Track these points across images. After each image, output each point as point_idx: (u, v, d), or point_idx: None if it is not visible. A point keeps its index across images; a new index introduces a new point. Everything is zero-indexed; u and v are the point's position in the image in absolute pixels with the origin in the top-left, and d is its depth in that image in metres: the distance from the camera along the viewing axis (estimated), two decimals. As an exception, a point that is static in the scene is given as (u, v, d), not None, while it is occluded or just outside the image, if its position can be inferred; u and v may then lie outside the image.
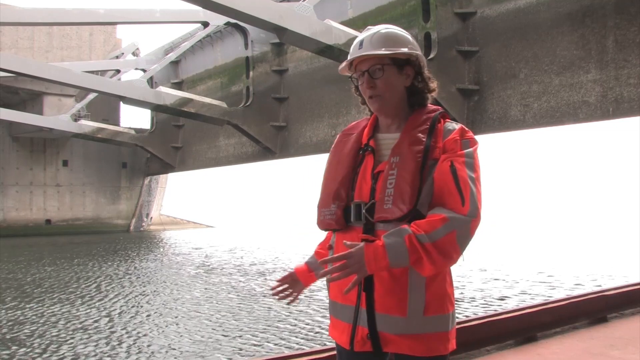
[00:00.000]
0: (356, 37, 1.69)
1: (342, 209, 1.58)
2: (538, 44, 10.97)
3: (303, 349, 6.30)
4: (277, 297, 1.83)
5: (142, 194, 29.88)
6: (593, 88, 10.14)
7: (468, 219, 1.42)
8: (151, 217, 31.40)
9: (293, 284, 1.83)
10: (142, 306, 9.73)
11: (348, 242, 1.46)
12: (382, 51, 1.58)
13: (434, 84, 1.65)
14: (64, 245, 22.16)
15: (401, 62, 1.60)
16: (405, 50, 1.59)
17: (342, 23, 13.38)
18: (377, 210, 1.51)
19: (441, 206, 1.46)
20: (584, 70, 10.29)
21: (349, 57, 1.64)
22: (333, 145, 1.74)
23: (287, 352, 4.07)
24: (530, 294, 10.29)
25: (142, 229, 30.19)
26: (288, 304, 1.88)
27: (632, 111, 9.73)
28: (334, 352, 1.71)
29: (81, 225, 27.86)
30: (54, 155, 27.61)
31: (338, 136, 1.75)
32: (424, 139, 1.53)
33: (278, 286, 1.82)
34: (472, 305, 9.21)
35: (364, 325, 1.51)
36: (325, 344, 6.01)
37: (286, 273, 1.84)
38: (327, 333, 1.81)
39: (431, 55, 11.72)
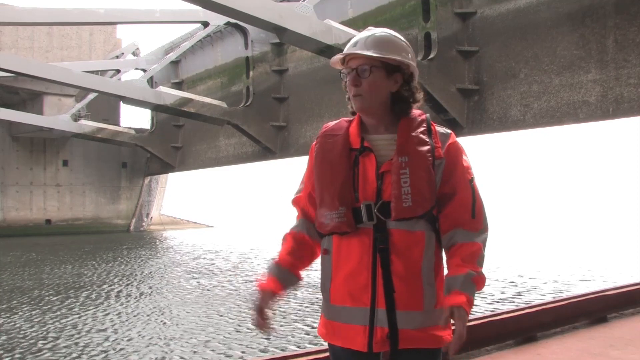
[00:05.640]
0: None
1: (351, 211, 1.57)
2: (538, 44, 10.97)
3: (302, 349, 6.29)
4: (262, 329, 1.66)
5: (142, 194, 29.86)
6: (593, 88, 10.14)
7: (487, 235, 1.62)
8: (151, 217, 31.39)
9: (267, 306, 1.66)
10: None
11: (446, 308, 1.53)
12: (371, 53, 1.60)
13: (420, 95, 1.68)
14: (75, 244, 22.14)
15: (391, 67, 1.62)
16: (397, 57, 1.61)
17: (342, 23, 13.37)
18: (395, 209, 1.53)
19: (454, 216, 1.58)
20: (584, 70, 10.29)
21: (342, 53, 1.66)
22: (317, 147, 1.69)
23: (287, 352, 4.08)
24: (534, 293, 10.28)
25: (142, 229, 30.17)
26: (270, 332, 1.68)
27: (632, 111, 9.73)
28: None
29: (81, 225, 27.84)
30: (54, 155, 27.60)
31: (319, 138, 1.71)
32: (427, 140, 1.60)
33: (261, 321, 1.65)
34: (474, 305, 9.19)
35: (382, 325, 1.52)
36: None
37: (258, 300, 1.65)
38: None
39: (431, 55, 11.72)
